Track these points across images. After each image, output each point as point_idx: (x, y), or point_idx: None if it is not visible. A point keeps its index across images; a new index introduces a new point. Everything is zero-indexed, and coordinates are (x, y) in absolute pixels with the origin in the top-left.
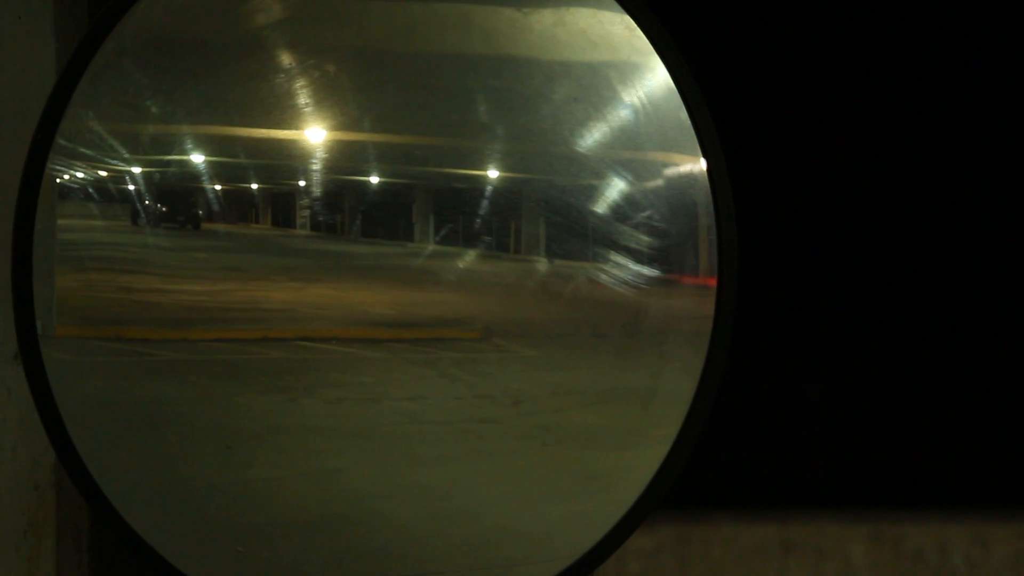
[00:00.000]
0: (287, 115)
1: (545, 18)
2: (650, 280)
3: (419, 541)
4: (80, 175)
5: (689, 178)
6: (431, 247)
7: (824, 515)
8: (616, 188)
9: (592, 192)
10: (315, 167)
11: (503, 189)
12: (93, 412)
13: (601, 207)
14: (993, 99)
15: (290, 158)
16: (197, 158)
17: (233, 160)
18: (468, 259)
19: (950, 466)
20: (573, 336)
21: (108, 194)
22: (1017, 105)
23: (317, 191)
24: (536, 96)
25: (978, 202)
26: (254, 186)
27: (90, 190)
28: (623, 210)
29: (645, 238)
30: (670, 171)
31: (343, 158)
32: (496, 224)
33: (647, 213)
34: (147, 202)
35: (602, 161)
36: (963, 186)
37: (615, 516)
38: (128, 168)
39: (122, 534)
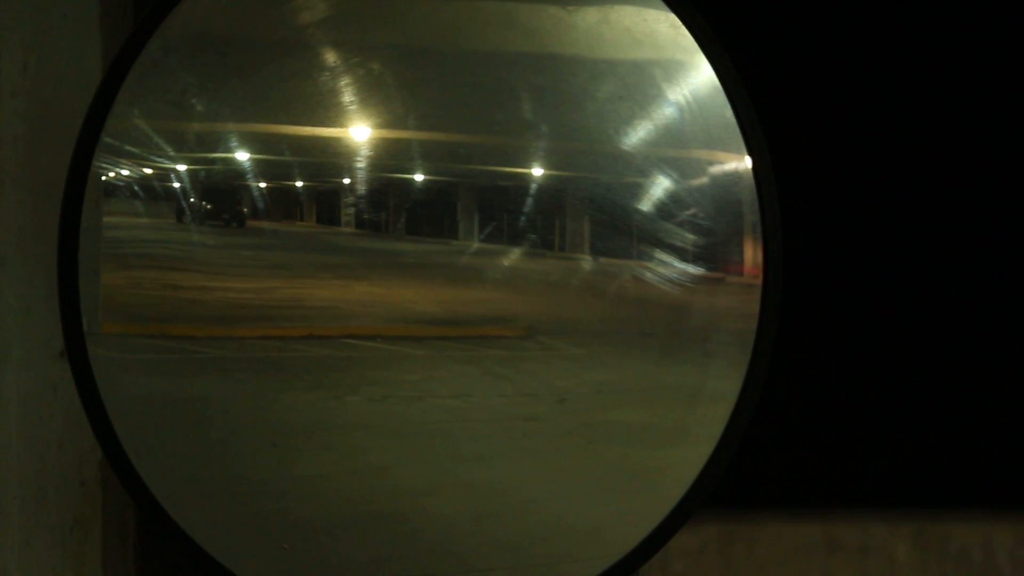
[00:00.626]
0: (332, 113)
1: (590, 16)
2: (695, 278)
3: (464, 538)
4: (125, 173)
5: (734, 176)
6: (476, 245)
7: (869, 514)
8: (661, 186)
9: (637, 190)
10: (360, 165)
11: (548, 187)
12: (139, 409)
13: (646, 205)
14: None
15: (335, 156)
16: (242, 156)
17: (278, 158)
18: (513, 257)
19: (995, 465)
20: (618, 334)
21: (153, 192)
22: None
23: (362, 189)
24: (581, 94)
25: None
26: (299, 184)
27: (135, 188)
28: (668, 208)
29: (690, 236)
30: (715, 169)
31: (387, 156)
32: (541, 222)
33: (692, 211)
34: (192, 200)
35: (647, 159)
36: (1018, 186)
37: (659, 514)
38: (173, 166)
39: (168, 531)
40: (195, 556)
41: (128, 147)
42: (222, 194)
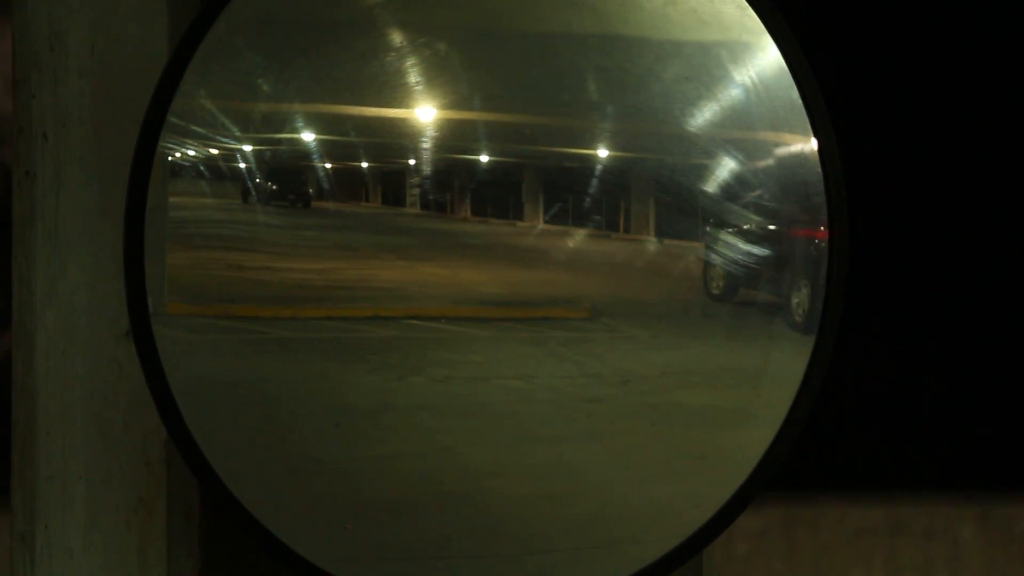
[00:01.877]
0: (397, 94)
1: None
2: (760, 260)
3: (527, 519)
4: (192, 153)
5: (800, 157)
6: (540, 226)
7: (933, 497)
8: (726, 167)
9: (702, 171)
10: (425, 146)
11: (613, 168)
12: (203, 389)
13: (711, 186)
14: None
15: (400, 137)
16: (307, 136)
17: (343, 139)
18: (577, 238)
19: None
20: (682, 316)
21: (219, 172)
22: None
23: (427, 170)
24: (646, 75)
25: None
26: (364, 165)
27: (201, 168)
28: (733, 190)
29: (755, 217)
30: (781, 151)
31: (453, 137)
32: (605, 203)
33: (757, 193)
34: (257, 180)
35: (712, 140)
36: None
37: (723, 496)
38: (239, 146)
39: (232, 510)
40: (258, 535)
41: (194, 127)
42: (287, 174)
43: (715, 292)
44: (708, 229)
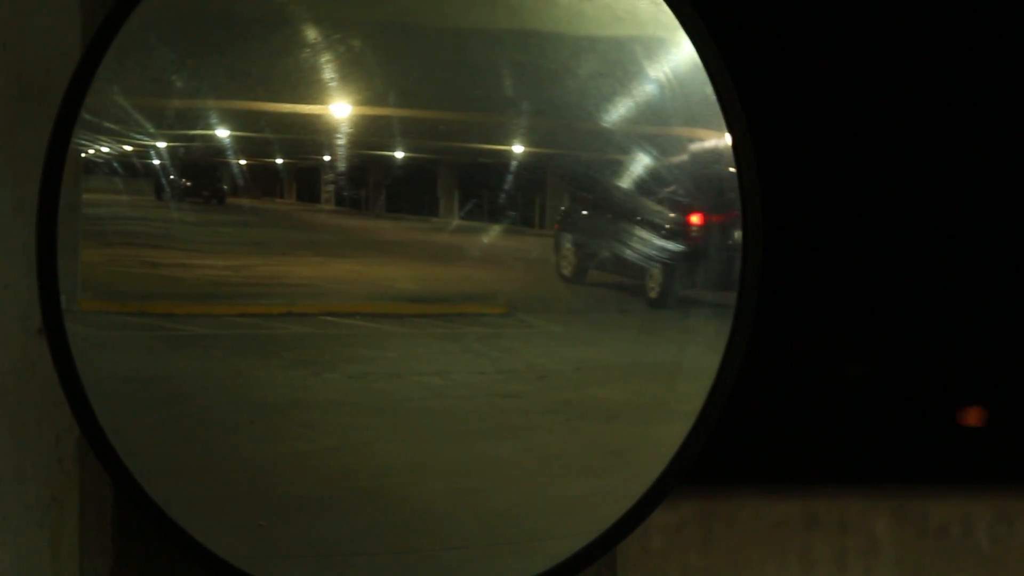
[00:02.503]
0: (312, 90)
1: None
2: (674, 255)
3: (443, 515)
4: (105, 150)
5: (714, 153)
6: (456, 222)
7: (848, 491)
8: (641, 163)
9: (617, 167)
10: (340, 142)
11: (528, 164)
12: (117, 387)
13: (626, 182)
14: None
15: (315, 133)
16: (222, 133)
17: (258, 135)
18: (493, 234)
19: (974, 443)
20: (597, 311)
21: (133, 169)
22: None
23: (342, 166)
24: (562, 71)
25: (994, 181)
26: (279, 161)
27: (115, 165)
28: (648, 185)
29: (670, 213)
30: (695, 146)
31: (368, 133)
32: (521, 199)
33: (672, 188)
34: (172, 177)
35: (627, 136)
36: (989, 164)
37: (638, 491)
38: (153, 143)
39: (145, 508)
40: (172, 533)
41: (108, 124)
42: (202, 171)
43: (566, 274)
44: (622, 224)
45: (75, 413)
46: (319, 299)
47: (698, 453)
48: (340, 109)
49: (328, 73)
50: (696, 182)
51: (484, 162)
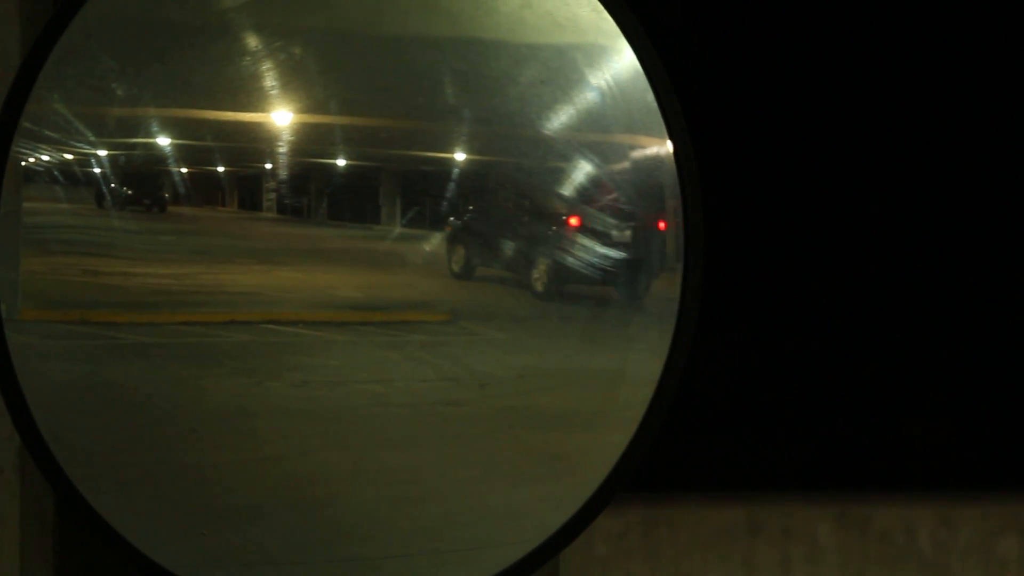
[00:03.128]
0: (253, 98)
1: (512, 0)
2: (616, 262)
3: (385, 523)
4: (46, 158)
5: (656, 160)
6: (398, 230)
7: (791, 497)
8: (583, 171)
9: (559, 175)
10: (282, 150)
11: (470, 172)
12: (58, 396)
13: (568, 189)
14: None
15: (256, 141)
16: (163, 141)
17: (199, 143)
18: (435, 242)
19: (917, 448)
20: (540, 319)
21: (74, 177)
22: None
23: (284, 174)
24: (503, 78)
25: (938, 180)
26: (220, 169)
27: (56, 173)
28: (590, 193)
29: (611, 220)
30: (637, 154)
31: (309, 141)
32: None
33: (614, 196)
34: (113, 185)
35: (569, 144)
36: (928, 163)
37: (581, 498)
38: (94, 151)
39: (87, 518)
40: (114, 543)
41: (48, 132)
42: (143, 179)
43: (456, 270)
44: (564, 232)
45: (15, 422)
46: (261, 307)
47: (641, 460)
48: (281, 117)
49: (269, 81)
50: (638, 189)
51: (426, 170)
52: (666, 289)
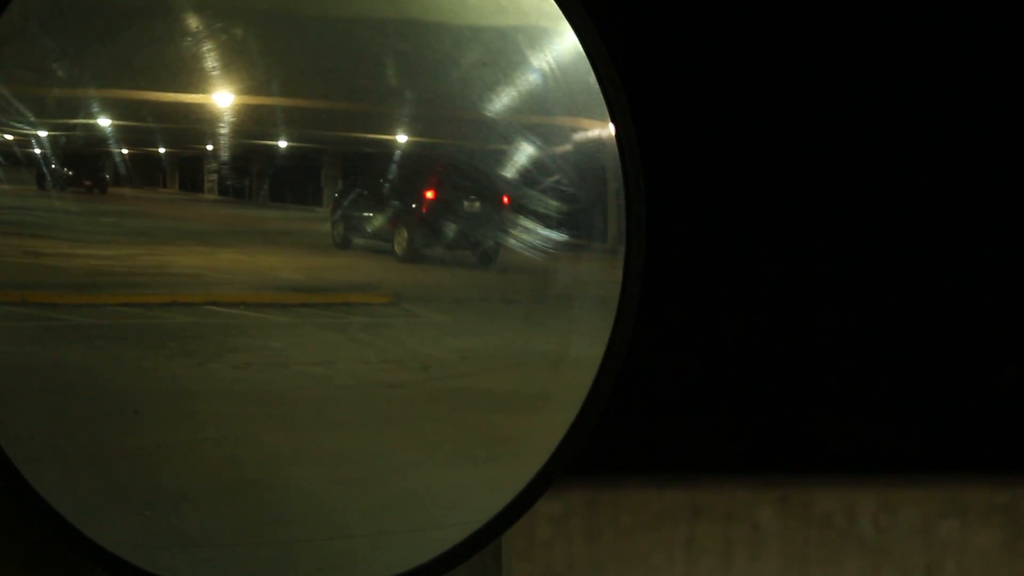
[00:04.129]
0: (194, 79)
1: None
2: (558, 245)
3: (327, 506)
4: None
5: (598, 143)
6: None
7: (733, 480)
8: (524, 153)
9: (501, 157)
10: (223, 131)
11: (411, 154)
12: None
13: (510, 171)
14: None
15: (198, 122)
16: (104, 122)
17: (140, 124)
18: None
19: (858, 431)
20: (482, 301)
21: (14, 158)
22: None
23: (225, 155)
24: (445, 60)
25: (880, 158)
26: (162, 150)
27: None
28: (532, 175)
29: (553, 203)
30: (579, 136)
31: (251, 122)
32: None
33: (556, 178)
34: (53, 166)
35: (511, 125)
36: (867, 138)
37: (523, 480)
38: (34, 132)
39: (27, 498)
40: (56, 524)
41: None
42: (83, 160)
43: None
44: (506, 214)
45: None
46: (203, 289)
47: (583, 442)
48: (223, 98)
49: (210, 62)
50: (580, 172)
51: (367, 152)
52: (608, 272)
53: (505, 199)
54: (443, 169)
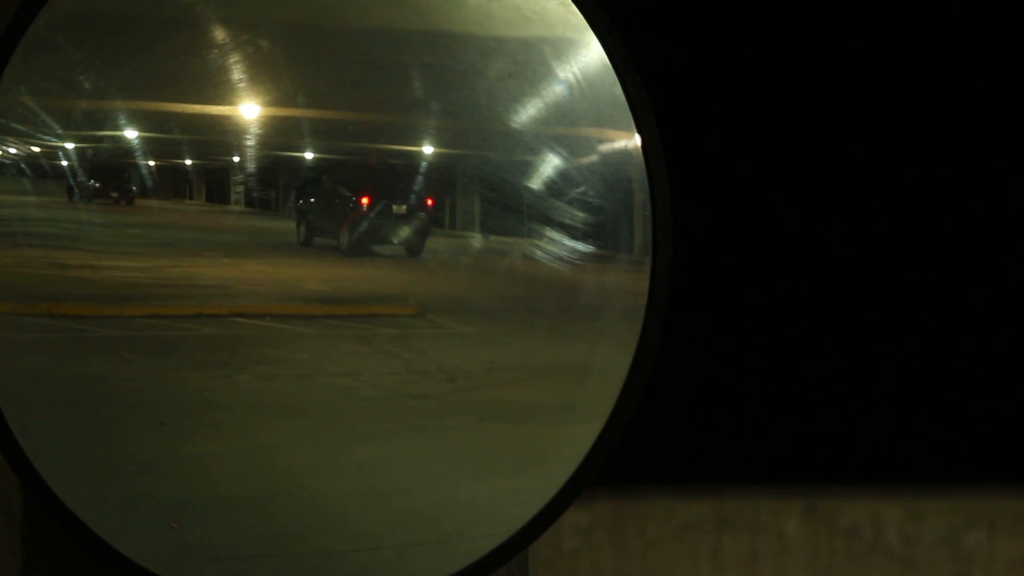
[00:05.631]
0: (221, 91)
1: None
2: (585, 256)
3: (354, 517)
4: (13, 151)
5: (624, 154)
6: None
7: (759, 490)
8: (551, 164)
9: (527, 168)
10: (249, 143)
11: (437, 165)
12: (26, 388)
13: (536, 183)
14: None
15: (224, 134)
16: (131, 134)
17: (167, 136)
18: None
19: (884, 442)
20: (508, 312)
21: (41, 170)
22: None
23: (251, 167)
24: (471, 71)
25: (910, 176)
26: (188, 162)
27: (23, 166)
28: (558, 186)
29: (580, 214)
30: (605, 147)
31: (277, 134)
32: (431, 200)
33: (582, 189)
34: (80, 178)
35: (537, 137)
36: (897, 156)
37: (550, 492)
38: (61, 144)
39: (55, 510)
40: (83, 535)
41: (15, 125)
42: (111, 172)
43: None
44: (532, 225)
45: None
46: (230, 300)
47: (610, 453)
48: (249, 110)
49: (237, 74)
50: (606, 183)
51: (394, 163)
52: (635, 283)
53: (429, 201)
54: (376, 178)
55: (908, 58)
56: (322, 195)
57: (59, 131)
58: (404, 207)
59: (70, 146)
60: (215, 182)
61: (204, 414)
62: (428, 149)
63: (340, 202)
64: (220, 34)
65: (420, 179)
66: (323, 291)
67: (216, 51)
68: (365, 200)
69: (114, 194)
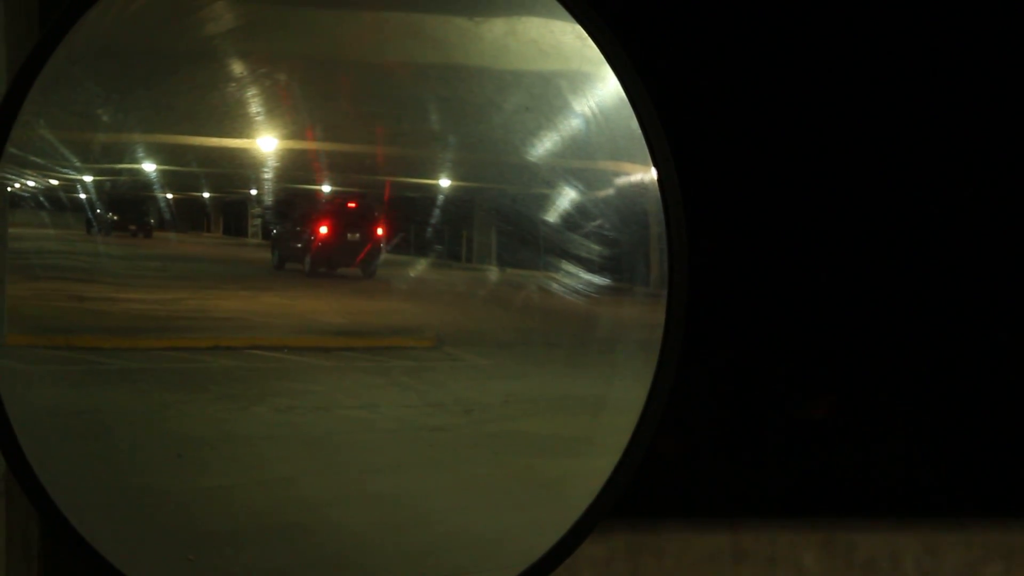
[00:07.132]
0: (238, 124)
1: (496, 27)
2: (601, 289)
3: (370, 549)
4: (31, 184)
5: (640, 187)
6: (383, 256)
7: (776, 523)
8: (567, 197)
9: (543, 201)
10: (267, 176)
11: (454, 198)
12: (43, 420)
13: (552, 216)
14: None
15: (241, 167)
16: (149, 167)
17: (185, 169)
18: (419, 268)
19: (902, 475)
20: (524, 345)
21: (59, 203)
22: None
23: (269, 200)
24: (487, 105)
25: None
26: (206, 195)
27: (41, 199)
28: (574, 219)
29: (596, 247)
30: (621, 180)
31: (294, 167)
32: (447, 233)
33: (598, 222)
34: (98, 211)
35: (553, 170)
36: (912, 186)
37: (566, 524)
38: (79, 177)
39: (72, 542)
40: (100, 568)
41: (34, 158)
42: (128, 205)
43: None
44: (549, 258)
45: (1, 447)
46: (247, 332)
47: (626, 486)
48: (266, 143)
49: (254, 107)
50: (622, 216)
51: (410, 196)
52: (651, 315)
53: (379, 231)
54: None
55: (939, 88)
56: (290, 224)
57: (77, 164)
58: (357, 234)
59: (88, 179)
60: (232, 215)
61: (221, 446)
62: (445, 182)
63: (302, 230)
64: (238, 67)
65: (437, 211)
66: (340, 323)
67: (234, 84)
68: (324, 229)
69: (132, 227)
